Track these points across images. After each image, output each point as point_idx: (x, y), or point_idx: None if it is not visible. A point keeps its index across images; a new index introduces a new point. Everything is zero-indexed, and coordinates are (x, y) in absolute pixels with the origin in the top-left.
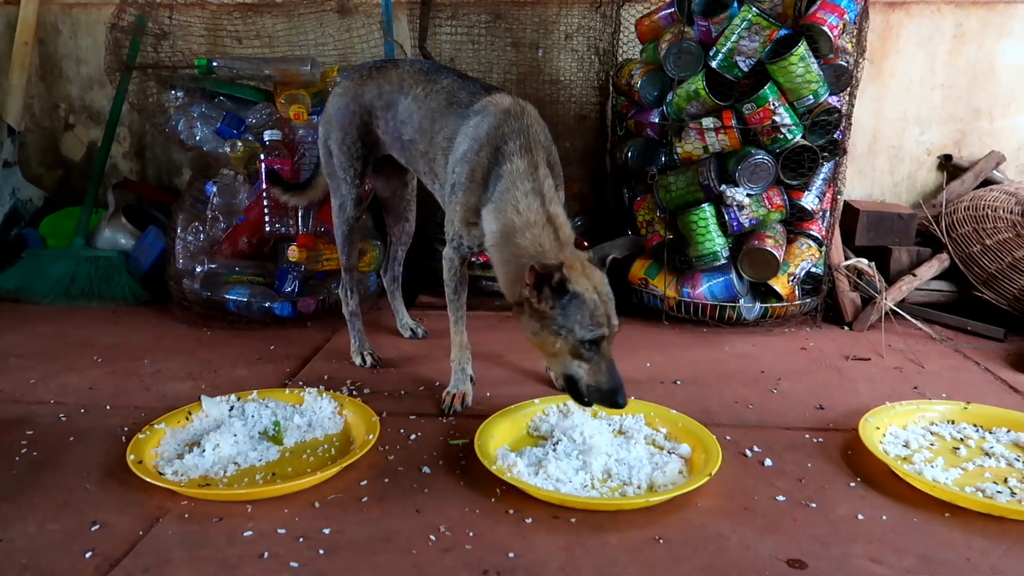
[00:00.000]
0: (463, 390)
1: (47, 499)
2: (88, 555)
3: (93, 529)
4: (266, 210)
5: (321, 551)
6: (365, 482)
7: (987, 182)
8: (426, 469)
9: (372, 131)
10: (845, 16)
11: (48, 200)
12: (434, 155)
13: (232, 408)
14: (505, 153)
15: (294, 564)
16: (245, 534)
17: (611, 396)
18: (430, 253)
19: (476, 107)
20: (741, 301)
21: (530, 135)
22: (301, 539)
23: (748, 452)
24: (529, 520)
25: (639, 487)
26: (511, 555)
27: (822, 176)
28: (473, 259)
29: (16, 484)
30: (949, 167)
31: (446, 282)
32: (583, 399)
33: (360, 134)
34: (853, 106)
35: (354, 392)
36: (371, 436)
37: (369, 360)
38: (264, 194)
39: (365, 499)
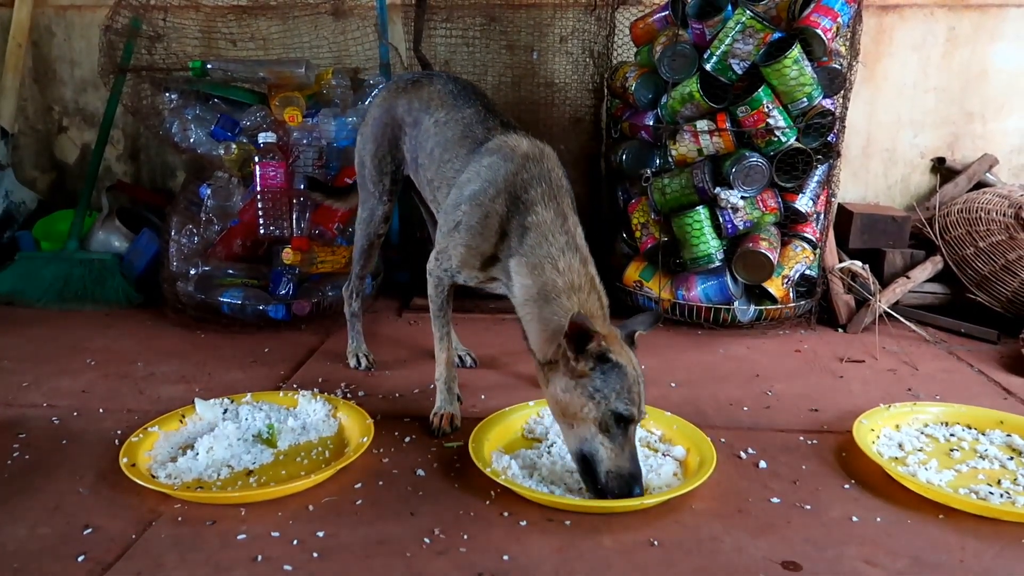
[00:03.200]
0: (450, 411)
1: (39, 503)
2: (80, 559)
3: (85, 533)
4: (260, 213)
5: (315, 554)
6: (359, 485)
7: (980, 185)
8: (420, 472)
9: (400, 147)
10: (839, 19)
11: (41, 203)
12: (439, 184)
13: (226, 411)
14: (527, 202)
15: (288, 567)
16: (238, 537)
17: (631, 484)
18: (426, 256)
19: (490, 145)
20: (735, 303)
21: (552, 181)
22: (295, 542)
23: (742, 454)
24: (523, 523)
25: None
26: (505, 558)
27: (816, 179)
28: None
29: (7, 488)
30: (942, 170)
31: (431, 297)
32: (597, 484)
33: (390, 148)
34: (847, 109)
35: (348, 395)
36: (365, 439)
37: (364, 362)
38: (258, 196)
39: (359, 502)
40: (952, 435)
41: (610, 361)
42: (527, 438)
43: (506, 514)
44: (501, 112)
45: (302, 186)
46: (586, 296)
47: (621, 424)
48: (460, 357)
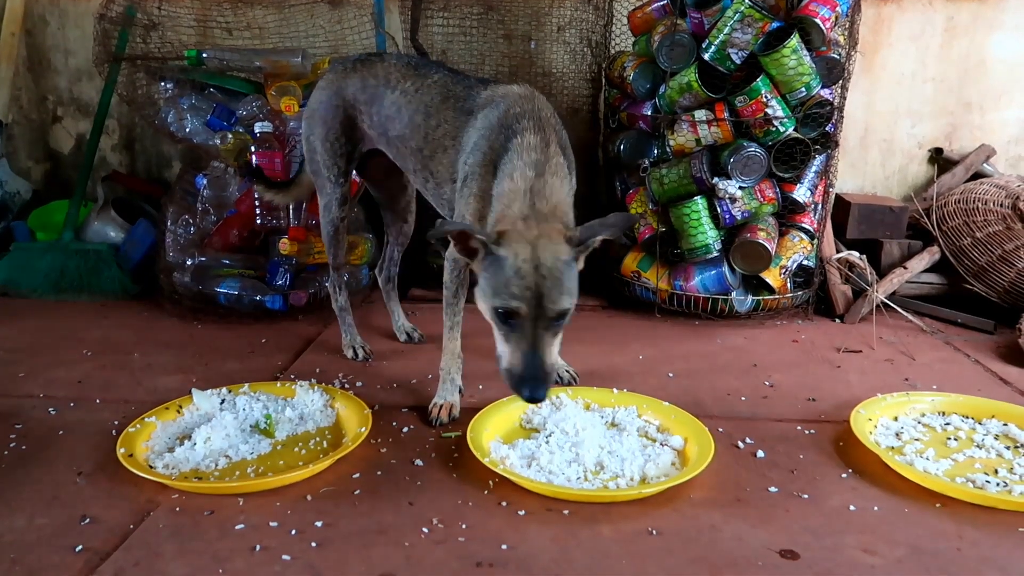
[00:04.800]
0: (451, 401)
1: (36, 493)
2: (78, 549)
3: (83, 523)
4: (257, 203)
5: (313, 544)
6: (357, 475)
7: (977, 175)
8: (419, 462)
9: (357, 126)
10: (837, 9)
11: (36, 193)
12: (431, 152)
13: (223, 401)
14: (516, 130)
15: (286, 557)
16: (237, 527)
17: (519, 384)
18: (424, 247)
19: (481, 100)
20: (733, 294)
21: (541, 117)
22: (293, 532)
23: (740, 444)
24: (522, 512)
25: (632, 479)
26: (504, 547)
27: (814, 169)
28: None
29: (4, 479)
30: (940, 160)
31: (446, 283)
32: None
33: (344, 129)
34: (845, 99)
35: (346, 385)
36: (363, 429)
37: (361, 353)
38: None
39: (357, 492)
40: (949, 424)
41: (492, 255)
42: (525, 428)
43: (504, 504)
44: (468, 73)
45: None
46: (516, 197)
47: (506, 320)
48: (408, 333)
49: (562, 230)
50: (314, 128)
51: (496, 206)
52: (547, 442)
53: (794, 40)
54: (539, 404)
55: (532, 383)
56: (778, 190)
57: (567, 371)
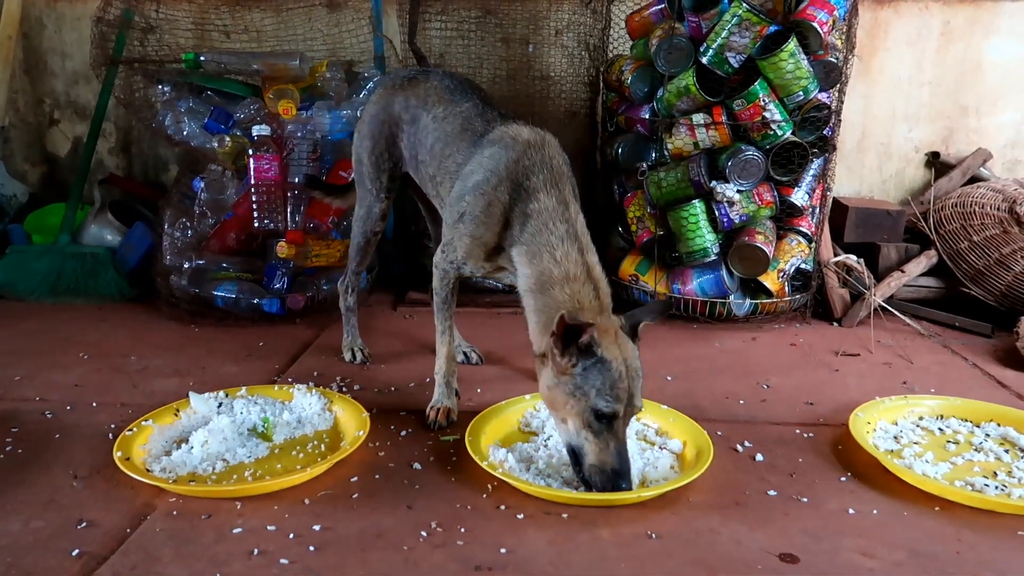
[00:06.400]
0: (448, 405)
1: (32, 497)
2: (75, 553)
3: (80, 527)
4: (254, 206)
5: (311, 548)
6: (356, 479)
7: (974, 179)
8: (417, 465)
9: (397, 144)
10: (835, 13)
11: (33, 196)
12: (441, 179)
13: (220, 405)
14: (529, 189)
15: (284, 561)
16: (234, 531)
17: (614, 480)
18: (421, 250)
19: (491, 136)
20: (731, 297)
21: (554, 168)
22: (291, 536)
23: (739, 447)
24: (520, 516)
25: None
26: (503, 550)
27: (812, 172)
28: None
29: (0, 482)
30: (937, 164)
31: (435, 290)
32: (584, 476)
33: (387, 146)
34: (842, 103)
35: (344, 388)
36: (361, 432)
37: (360, 356)
38: (252, 190)
39: (356, 496)
40: (947, 428)
41: (594, 356)
42: (524, 431)
43: (503, 507)
44: (498, 105)
45: (298, 180)
46: (580, 286)
47: (604, 420)
48: (465, 354)
49: (620, 323)
50: (363, 140)
51: (554, 292)
52: (545, 445)
53: (791, 44)
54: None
55: (626, 477)
56: (776, 194)
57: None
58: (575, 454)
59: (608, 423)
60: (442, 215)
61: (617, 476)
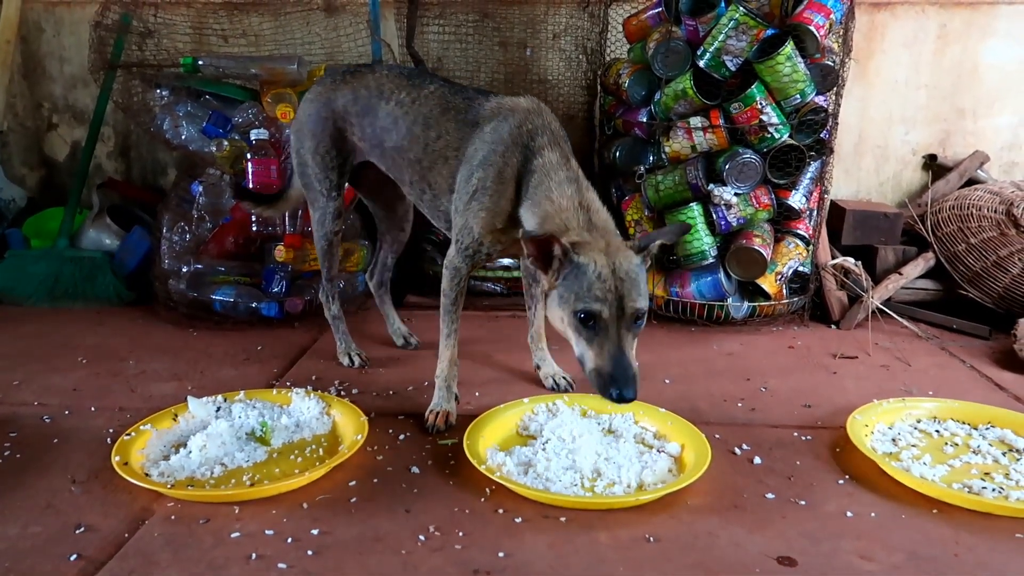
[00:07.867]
0: (447, 408)
1: (30, 501)
2: (72, 558)
3: (78, 531)
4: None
5: (310, 552)
6: (354, 482)
7: (971, 181)
8: (415, 469)
9: (347, 138)
10: (831, 16)
11: (31, 200)
12: (430, 163)
13: (219, 409)
14: (534, 149)
15: (282, 565)
16: (232, 535)
17: (609, 383)
18: (420, 254)
19: (484, 112)
20: (729, 300)
21: (553, 130)
22: (289, 540)
23: (737, 450)
24: (519, 519)
25: (628, 485)
26: (501, 554)
27: (809, 175)
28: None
29: None
30: (934, 167)
31: (445, 291)
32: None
33: (333, 142)
34: (839, 105)
35: (342, 392)
36: (359, 436)
37: (357, 360)
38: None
39: (354, 500)
40: (945, 430)
41: (572, 263)
42: (522, 435)
43: (501, 511)
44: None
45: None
46: (570, 214)
47: (591, 323)
48: (405, 337)
49: (629, 243)
50: (303, 141)
51: (547, 226)
52: (544, 449)
53: (789, 47)
54: (627, 407)
55: (623, 383)
56: (773, 196)
57: (563, 378)
58: (582, 364)
59: (596, 326)
60: (420, 205)
61: (612, 380)
